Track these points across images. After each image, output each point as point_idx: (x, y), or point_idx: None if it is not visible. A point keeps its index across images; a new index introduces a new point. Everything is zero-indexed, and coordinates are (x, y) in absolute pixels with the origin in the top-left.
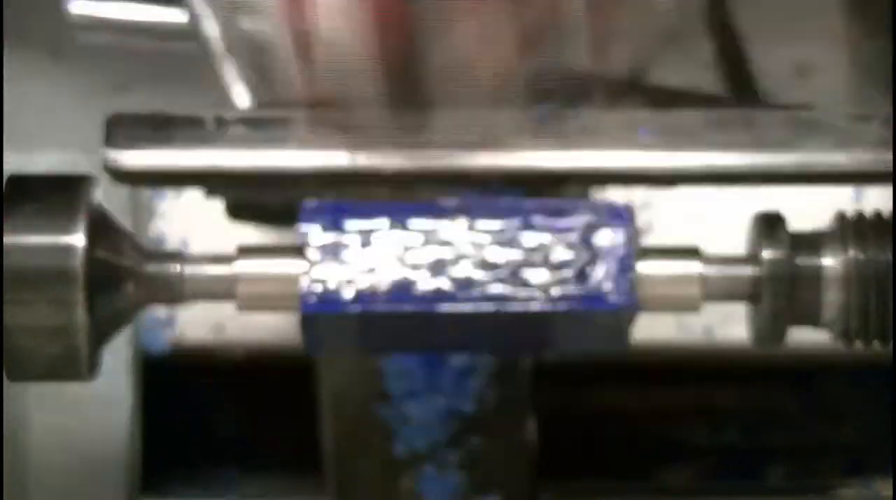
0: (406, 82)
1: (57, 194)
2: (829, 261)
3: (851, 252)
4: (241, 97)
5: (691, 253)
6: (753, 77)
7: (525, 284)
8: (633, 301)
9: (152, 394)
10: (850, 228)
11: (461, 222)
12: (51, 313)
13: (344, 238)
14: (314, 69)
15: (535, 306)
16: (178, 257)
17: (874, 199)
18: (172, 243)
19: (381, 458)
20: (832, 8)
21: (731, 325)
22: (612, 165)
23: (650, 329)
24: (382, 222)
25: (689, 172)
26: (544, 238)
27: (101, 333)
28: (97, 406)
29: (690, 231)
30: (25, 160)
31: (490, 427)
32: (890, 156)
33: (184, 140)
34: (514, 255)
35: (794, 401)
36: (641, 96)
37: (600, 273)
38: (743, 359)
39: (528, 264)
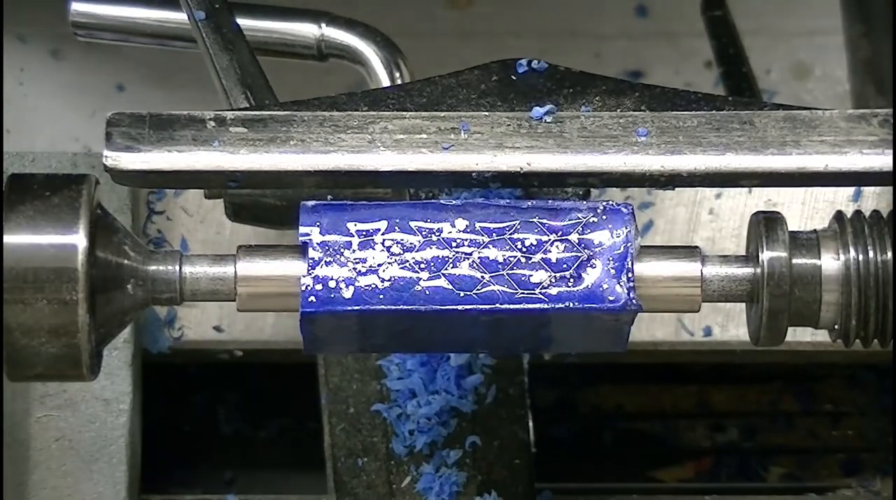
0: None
1: (57, 194)
2: (828, 261)
3: (850, 252)
4: (241, 97)
5: (691, 253)
6: (753, 77)
7: (524, 284)
8: (633, 301)
9: (152, 394)
10: (849, 228)
11: (461, 222)
12: (51, 313)
13: (343, 238)
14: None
15: (534, 306)
16: (178, 256)
17: (873, 199)
18: (172, 243)
19: (381, 458)
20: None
21: (731, 325)
22: (612, 165)
23: (650, 329)
24: (382, 222)
25: (689, 172)
26: (544, 238)
27: (101, 333)
28: (97, 406)
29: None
30: (25, 160)
31: (489, 427)
32: (890, 156)
33: (184, 140)
34: (514, 255)
35: (793, 401)
36: (641, 96)
37: (600, 273)
38: (743, 359)
39: (527, 264)
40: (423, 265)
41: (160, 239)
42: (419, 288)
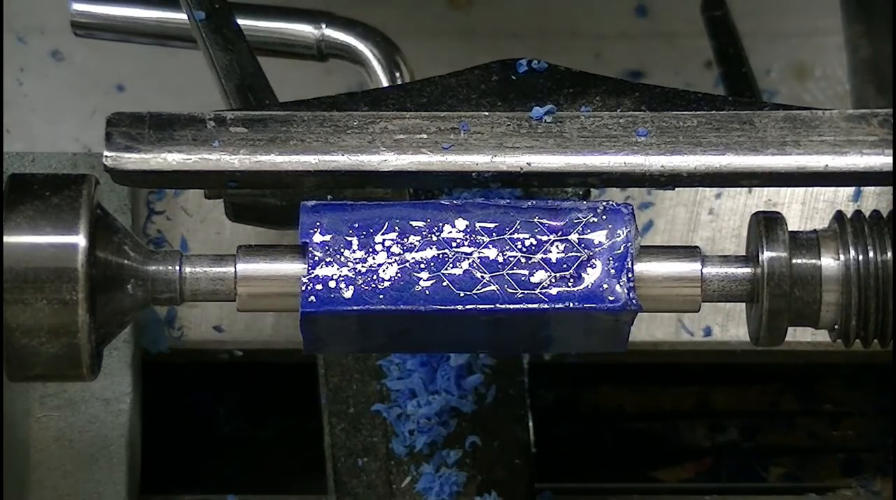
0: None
1: (57, 194)
2: (828, 261)
3: (850, 252)
4: (241, 97)
5: (691, 253)
6: (753, 77)
7: (524, 284)
8: (633, 301)
9: (152, 394)
10: (849, 228)
11: (461, 222)
12: (51, 313)
13: (344, 238)
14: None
15: (534, 306)
16: (178, 256)
17: (873, 199)
18: (172, 243)
19: (381, 458)
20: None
21: (731, 325)
22: (612, 165)
23: (650, 329)
24: (382, 222)
25: (689, 172)
26: (544, 238)
27: (101, 333)
28: (97, 406)
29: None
30: (25, 160)
31: (489, 427)
32: (890, 156)
33: (184, 140)
34: (514, 255)
35: (793, 401)
36: (641, 96)
37: (599, 273)
38: (743, 359)
39: (527, 264)
40: (423, 265)
41: (160, 239)
42: (419, 288)
